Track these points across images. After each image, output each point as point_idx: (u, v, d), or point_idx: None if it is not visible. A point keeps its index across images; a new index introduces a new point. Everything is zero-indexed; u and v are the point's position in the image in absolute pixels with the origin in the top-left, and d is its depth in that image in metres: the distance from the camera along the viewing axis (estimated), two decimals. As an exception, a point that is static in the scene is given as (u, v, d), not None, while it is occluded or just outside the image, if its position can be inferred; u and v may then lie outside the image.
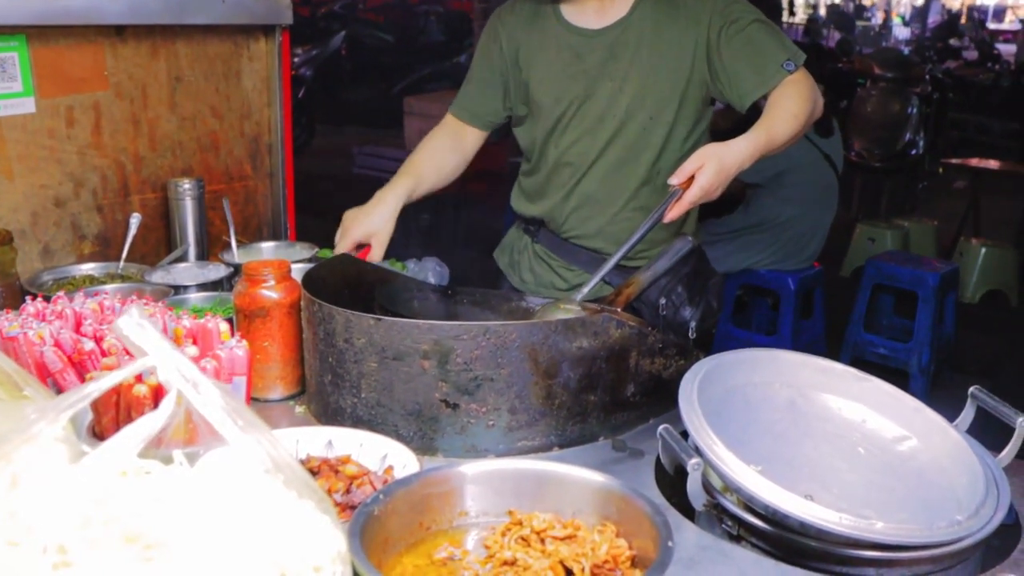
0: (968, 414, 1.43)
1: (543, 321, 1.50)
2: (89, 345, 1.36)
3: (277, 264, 1.61)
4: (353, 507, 1.12)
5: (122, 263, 2.20)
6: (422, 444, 1.41)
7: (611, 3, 1.95)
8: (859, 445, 1.40)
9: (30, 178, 2.13)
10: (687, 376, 1.37)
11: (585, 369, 1.45)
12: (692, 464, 1.20)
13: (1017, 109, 9.65)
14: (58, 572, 0.71)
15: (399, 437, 1.38)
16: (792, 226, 4.09)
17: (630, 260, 1.86)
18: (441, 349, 1.37)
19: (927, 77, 7.68)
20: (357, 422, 1.44)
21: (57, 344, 1.36)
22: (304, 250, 2.30)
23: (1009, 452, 1.35)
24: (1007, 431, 1.34)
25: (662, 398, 1.56)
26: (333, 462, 1.22)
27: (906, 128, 6.85)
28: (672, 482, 1.35)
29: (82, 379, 1.35)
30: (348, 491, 1.14)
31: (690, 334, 1.76)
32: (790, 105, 1.79)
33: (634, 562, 1.02)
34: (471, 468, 1.12)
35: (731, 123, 3.93)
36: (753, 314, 4.53)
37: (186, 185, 2.29)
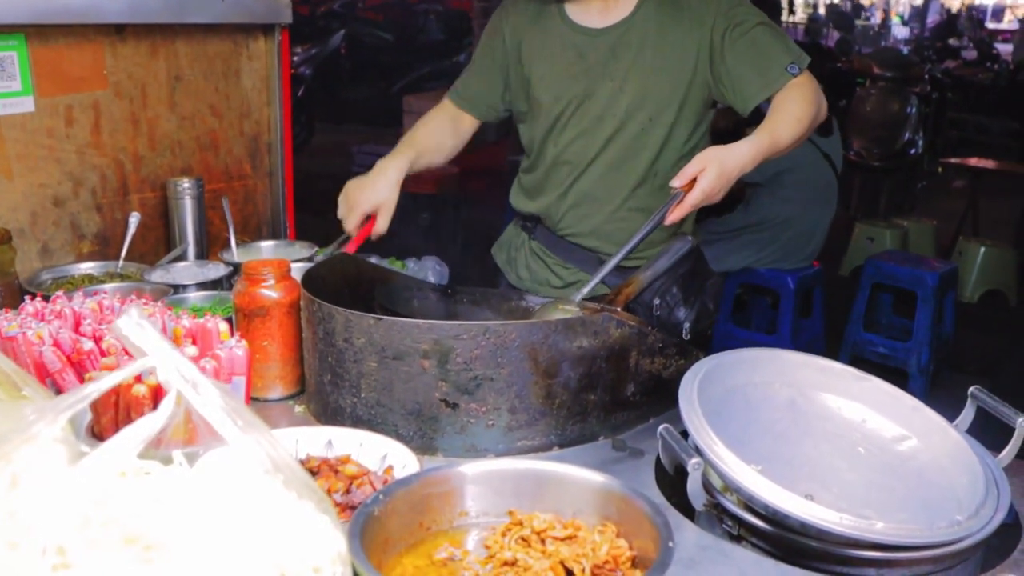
0: (968, 414, 1.43)
1: (543, 321, 1.50)
2: (88, 345, 1.35)
3: (277, 263, 1.61)
4: (353, 507, 1.12)
5: (121, 262, 2.20)
6: (422, 444, 1.41)
7: (615, 3, 1.95)
8: (859, 445, 1.40)
9: (29, 177, 2.13)
10: (687, 376, 1.37)
11: (585, 368, 1.45)
12: (692, 464, 1.20)
13: (1016, 108, 9.64)
14: (57, 573, 0.71)
15: (399, 437, 1.37)
16: (792, 225, 4.09)
17: (627, 260, 1.86)
18: (441, 349, 1.37)
19: (926, 77, 7.68)
20: (357, 422, 1.44)
21: (56, 344, 1.36)
22: (303, 249, 2.30)
23: (1009, 452, 1.35)
24: (1007, 431, 1.34)
25: (662, 397, 1.56)
26: (333, 462, 1.22)
27: (905, 127, 6.84)
28: (672, 482, 1.35)
29: (81, 379, 1.35)
30: (348, 491, 1.14)
31: (684, 335, 1.75)
32: (794, 109, 1.78)
33: (634, 562, 1.02)
34: (471, 468, 1.12)
35: (731, 123, 3.94)
36: (753, 313, 4.53)
37: (185, 184, 2.29)
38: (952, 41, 15.43)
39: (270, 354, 1.59)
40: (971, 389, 1.42)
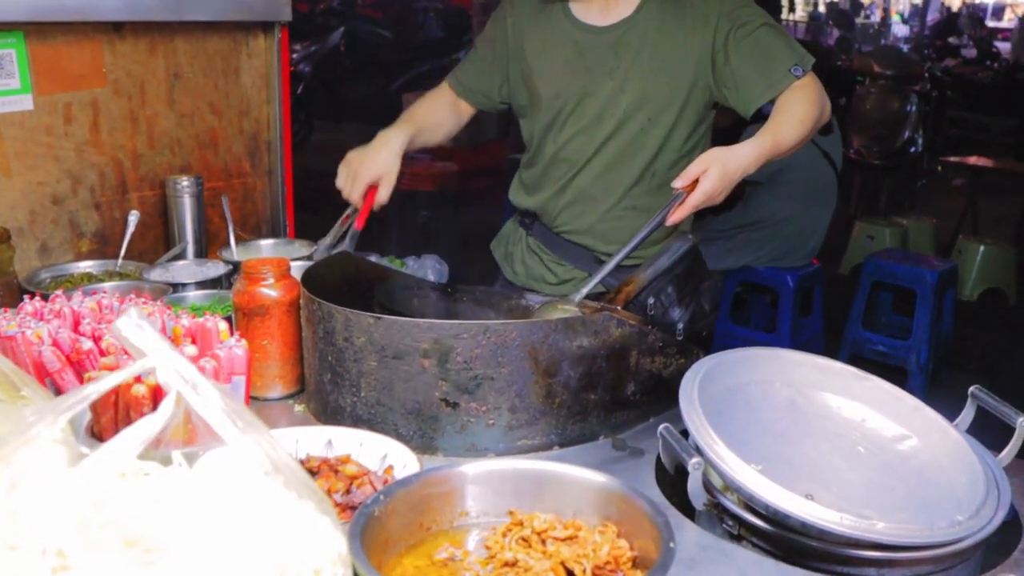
0: (968, 413, 1.43)
1: (543, 320, 1.50)
2: (87, 344, 1.35)
3: (276, 262, 1.61)
4: (353, 507, 1.12)
5: (120, 261, 2.19)
6: (422, 443, 1.41)
7: (616, 1, 1.95)
8: (859, 444, 1.40)
9: (28, 176, 2.13)
10: (688, 375, 1.37)
11: (585, 368, 1.45)
12: (693, 463, 1.20)
13: (1015, 107, 9.64)
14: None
15: (399, 436, 1.37)
16: (791, 224, 4.08)
17: (627, 259, 1.85)
18: (441, 348, 1.37)
19: (926, 75, 7.67)
20: (357, 421, 1.43)
21: (55, 343, 1.36)
22: (303, 247, 2.29)
23: (1009, 452, 1.35)
24: (1007, 430, 1.34)
25: (662, 397, 1.56)
26: (333, 462, 1.22)
27: (905, 126, 6.84)
28: (672, 481, 1.35)
29: (80, 379, 1.34)
30: (348, 491, 1.14)
31: (677, 336, 1.75)
32: (797, 110, 1.77)
33: (635, 563, 1.02)
34: (472, 468, 1.12)
35: (731, 120, 3.93)
36: (752, 311, 4.53)
37: (184, 182, 2.29)
38: (952, 39, 15.41)
39: (270, 353, 1.59)
40: (971, 389, 1.42)
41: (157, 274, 2.07)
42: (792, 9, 17.38)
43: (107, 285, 1.97)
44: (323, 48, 9.61)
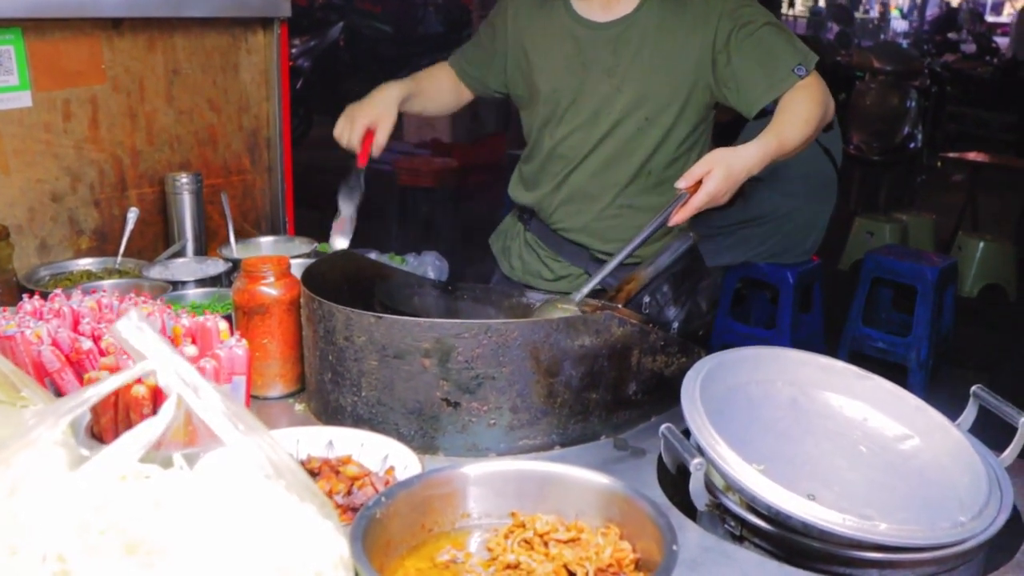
0: (970, 413, 1.42)
1: (545, 319, 1.49)
2: (87, 344, 1.34)
3: (276, 260, 1.60)
4: (354, 509, 1.12)
5: (120, 258, 2.18)
6: (423, 443, 1.40)
7: None
8: (860, 444, 1.39)
9: (26, 173, 2.12)
10: (689, 374, 1.36)
11: (587, 367, 1.44)
12: (695, 464, 1.20)
13: (1015, 103, 9.62)
14: (57, 580, 0.70)
15: (400, 436, 1.37)
16: (791, 220, 4.07)
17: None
18: (442, 347, 1.36)
19: (926, 71, 7.67)
20: (357, 421, 1.43)
21: (55, 343, 1.35)
22: (303, 245, 2.29)
23: (1012, 452, 1.35)
24: (1009, 429, 1.34)
25: (664, 396, 1.55)
26: (334, 463, 1.21)
27: (905, 122, 6.84)
28: (674, 481, 1.34)
29: (80, 379, 1.34)
30: (349, 492, 1.14)
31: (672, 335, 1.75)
32: (801, 111, 1.76)
33: (638, 565, 1.01)
34: (473, 469, 1.12)
35: (731, 116, 3.92)
36: (752, 308, 4.52)
37: (184, 179, 2.28)
38: (951, 35, 15.39)
39: (270, 352, 1.58)
40: (973, 388, 1.42)
41: (157, 272, 2.06)
42: (792, 4, 17.35)
43: (106, 283, 1.96)
44: (322, 43, 9.58)
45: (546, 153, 2.05)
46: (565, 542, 1.02)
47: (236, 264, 2.09)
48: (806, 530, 1.17)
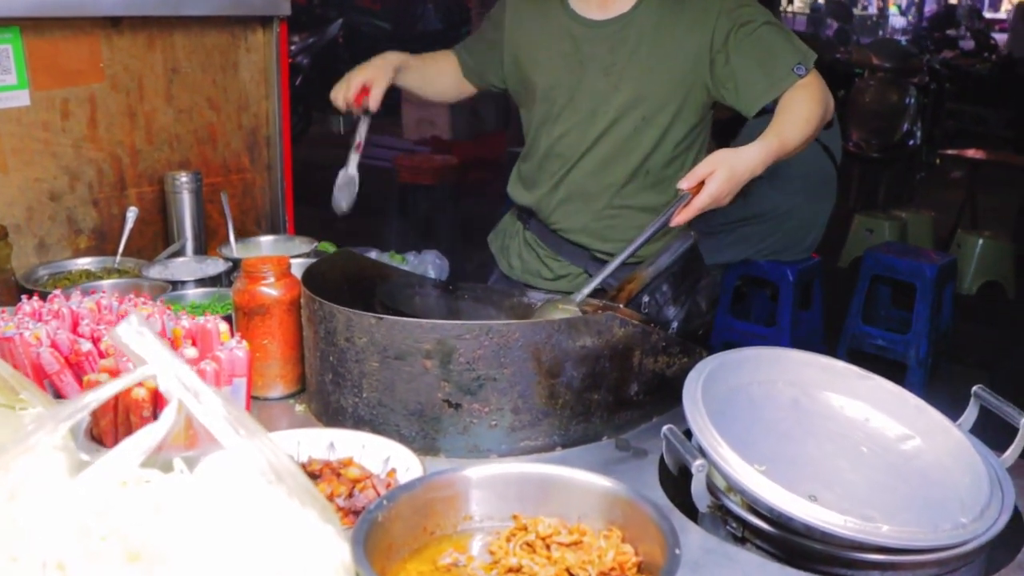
0: (971, 413, 1.42)
1: (546, 320, 1.49)
2: (86, 346, 1.34)
3: (276, 261, 1.59)
4: (356, 512, 1.12)
5: (119, 257, 2.18)
6: (424, 444, 1.40)
7: None
8: (862, 444, 1.39)
9: (25, 172, 2.11)
10: (691, 375, 1.36)
11: (589, 368, 1.44)
12: (697, 466, 1.20)
13: (1013, 99, 9.61)
14: (58, 587, 0.70)
15: (401, 437, 1.37)
16: (791, 217, 4.07)
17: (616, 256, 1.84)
18: (443, 349, 1.36)
19: (924, 68, 7.66)
20: (358, 422, 1.43)
21: (54, 345, 1.35)
22: (303, 244, 2.28)
23: (1013, 452, 1.35)
24: (1010, 429, 1.34)
25: (665, 396, 1.55)
26: (335, 465, 1.21)
27: (904, 119, 6.84)
28: (676, 481, 1.34)
29: (79, 380, 1.33)
30: (351, 495, 1.13)
31: (671, 334, 1.75)
32: (801, 110, 1.76)
33: (640, 568, 1.01)
34: (475, 472, 1.11)
35: (730, 114, 3.91)
36: (752, 305, 4.52)
37: (183, 178, 2.27)
38: (950, 31, 15.37)
39: (270, 353, 1.58)
40: (975, 389, 1.42)
41: (156, 271, 2.06)
42: (791, 0, 17.34)
43: (105, 283, 1.96)
44: (321, 40, 9.56)
45: (543, 152, 2.05)
46: (567, 545, 1.02)
47: (236, 264, 2.08)
48: (808, 532, 1.17)
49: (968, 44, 14.33)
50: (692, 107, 1.94)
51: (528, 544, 1.03)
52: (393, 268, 1.89)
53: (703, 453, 1.23)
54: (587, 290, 1.68)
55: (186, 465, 0.89)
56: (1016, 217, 6.53)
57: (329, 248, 2.36)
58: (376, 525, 0.99)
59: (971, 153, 6.66)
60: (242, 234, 2.37)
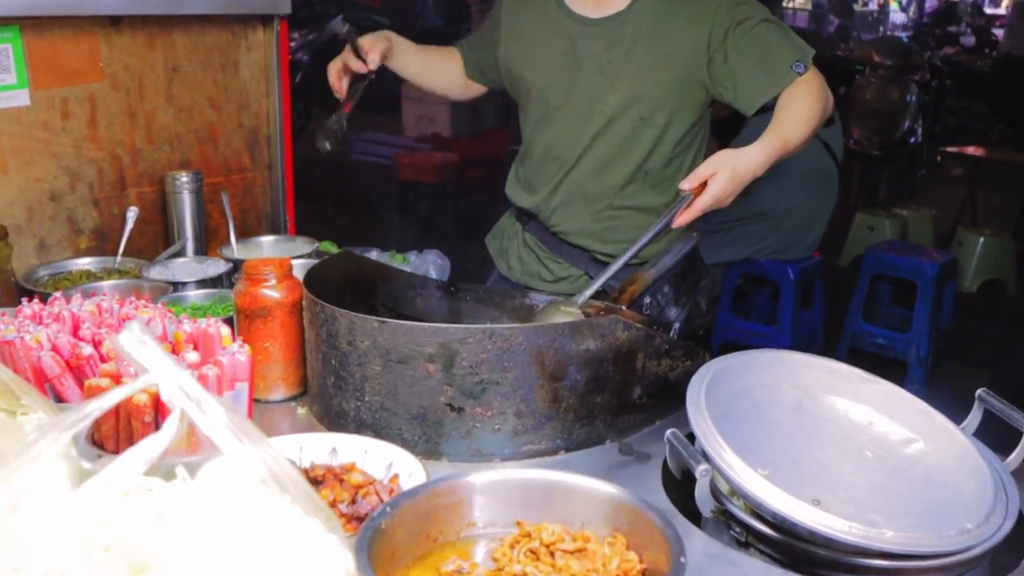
0: (975, 416, 1.42)
1: (549, 324, 1.48)
2: (87, 350, 1.33)
3: (278, 263, 1.59)
4: (358, 518, 1.11)
5: (119, 258, 2.17)
6: (426, 448, 1.39)
7: None
8: (866, 448, 1.39)
9: (25, 172, 2.10)
10: (695, 379, 1.36)
11: (592, 371, 1.44)
12: (700, 471, 1.19)
13: (1014, 96, 9.59)
14: (60, 599, 0.70)
15: (403, 441, 1.36)
16: (792, 216, 4.07)
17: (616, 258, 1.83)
18: (446, 352, 1.35)
19: (926, 65, 7.65)
20: (361, 426, 1.42)
21: (55, 348, 1.34)
22: (304, 245, 2.27)
23: (1017, 456, 1.35)
24: (1014, 432, 1.33)
25: (668, 399, 1.55)
26: (338, 470, 1.20)
27: (905, 116, 6.82)
28: (679, 485, 1.34)
29: (80, 385, 1.33)
30: (353, 501, 1.13)
31: (672, 335, 1.74)
32: (801, 109, 1.76)
33: (644, 576, 1.01)
34: (479, 478, 1.11)
35: (730, 111, 3.90)
36: (753, 304, 4.52)
37: (184, 178, 2.26)
38: (951, 28, 15.34)
39: (272, 355, 1.57)
40: (979, 392, 1.41)
41: (157, 272, 2.05)
42: (793, -4, 17.31)
43: (106, 284, 1.95)
44: (321, 36, 9.54)
45: (541, 154, 2.04)
46: (571, 552, 1.01)
47: (237, 264, 2.07)
48: (812, 537, 1.16)
49: (969, 40, 14.31)
50: (690, 106, 1.93)
51: (532, 551, 1.02)
52: (395, 269, 1.88)
53: (706, 457, 1.23)
54: (589, 292, 1.67)
55: (188, 471, 0.89)
56: (1017, 215, 6.52)
57: (330, 248, 2.36)
58: (379, 532, 0.98)
59: (972, 150, 6.66)
60: (243, 234, 2.36)
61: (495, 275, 2.27)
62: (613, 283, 1.75)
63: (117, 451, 1.15)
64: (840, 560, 1.17)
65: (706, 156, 1.73)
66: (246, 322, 1.56)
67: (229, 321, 1.62)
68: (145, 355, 0.81)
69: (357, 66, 1.97)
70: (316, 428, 1.51)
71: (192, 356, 1.30)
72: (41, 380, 1.33)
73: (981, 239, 5.83)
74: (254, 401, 1.52)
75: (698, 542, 1.21)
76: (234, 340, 1.39)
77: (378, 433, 1.39)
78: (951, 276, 4.61)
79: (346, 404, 1.44)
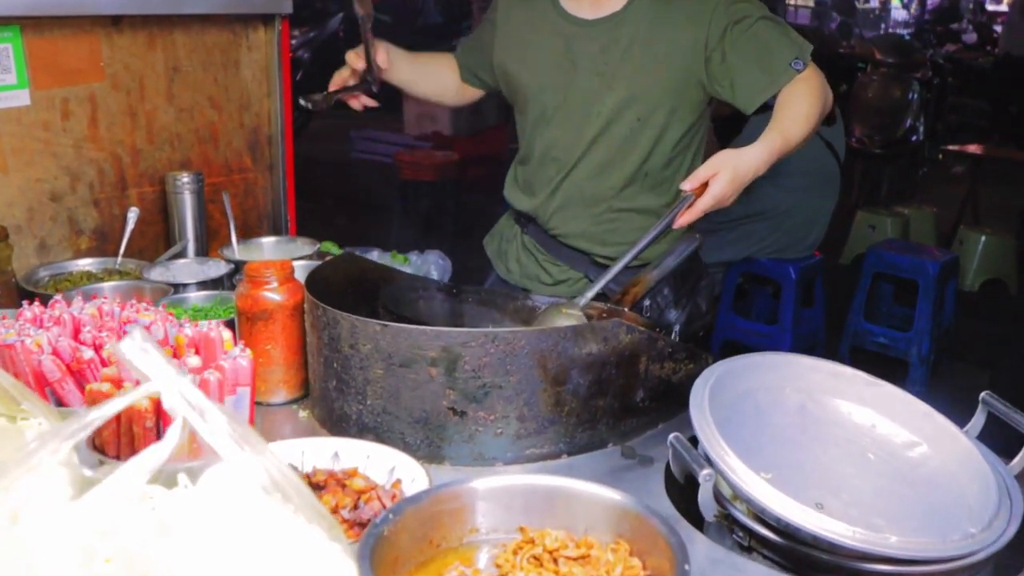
0: (979, 420, 1.41)
1: (552, 328, 1.48)
2: (88, 354, 1.33)
3: (279, 265, 1.58)
4: (361, 524, 1.11)
5: (120, 258, 2.17)
6: (429, 452, 1.39)
7: None
8: (869, 451, 1.38)
9: (25, 172, 2.10)
10: (698, 382, 1.35)
11: (595, 375, 1.43)
12: (704, 475, 1.19)
13: (1016, 94, 9.57)
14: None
15: (405, 445, 1.36)
16: (793, 215, 4.06)
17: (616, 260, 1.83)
18: (449, 356, 1.35)
19: (928, 62, 7.64)
20: (362, 429, 1.42)
21: (55, 352, 1.33)
22: (306, 245, 2.27)
23: (1021, 459, 1.34)
24: (1018, 436, 1.33)
25: (671, 403, 1.54)
26: (340, 476, 1.20)
27: (906, 114, 6.82)
28: (681, 489, 1.33)
29: (81, 388, 1.32)
30: (356, 507, 1.12)
31: (673, 337, 1.74)
32: (801, 107, 1.75)
33: (648, 582, 1.00)
34: (482, 484, 1.10)
35: (731, 110, 3.89)
36: (754, 303, 4.51)
37: (185, 178, 2.26)
38: (953, 25, 15.31)
39: (273, 358, 1.57)
40: (983, 395, 1.41)
41: (158, 273, 2.05)
42: (795, -7, 17.28)
43: (107, 285, 1.95)
44: (322, 34, 9.53)
45: (539, 156, 2.03)
46: (575, 559, 1.01)
47: (238, 265, 2.07)
48: (815, 542, 1.16)
49: (971, 37, 14.29)
50: (688, 106, 1.92)
51: (535, 557, 1.02)
52: (396, 271, 1.87)
53: (709, 461, 1.22)
54: (590, 294, 1.67)
55: (189, 478, 0.88)
56: (1019, 213, 6.51)
57: (332, 249, 2.35)
58: (382, 539, 0.98)
59: (973, 149, 6.65)
60: (244, 234, 2.36)
61: (493, 277, 2.26)
62: (614, 285, 1.74)
63: (118, 456, 1.14)
64: (843, 565, 1.17)
65: (707, 155, 1.73)
66: (247, 325, 1.56)
67: (230, 323, 1.62)
68: (147, 363, 0.81)
69: (362, 66, 1.98)
70: (318, 431, 1.50)
71: (194, 361, 1.29)
72: (42, 384, 1.32)
73: (983, 238, 5.83)
74: (256, 404, 1.52)
75: (701, 547, 1.21)
76: (235, 343, 1.38)
77: (380, 437, 1.39)
78: (953, 275, 4.61)
79: (348, 408, 1.44)
